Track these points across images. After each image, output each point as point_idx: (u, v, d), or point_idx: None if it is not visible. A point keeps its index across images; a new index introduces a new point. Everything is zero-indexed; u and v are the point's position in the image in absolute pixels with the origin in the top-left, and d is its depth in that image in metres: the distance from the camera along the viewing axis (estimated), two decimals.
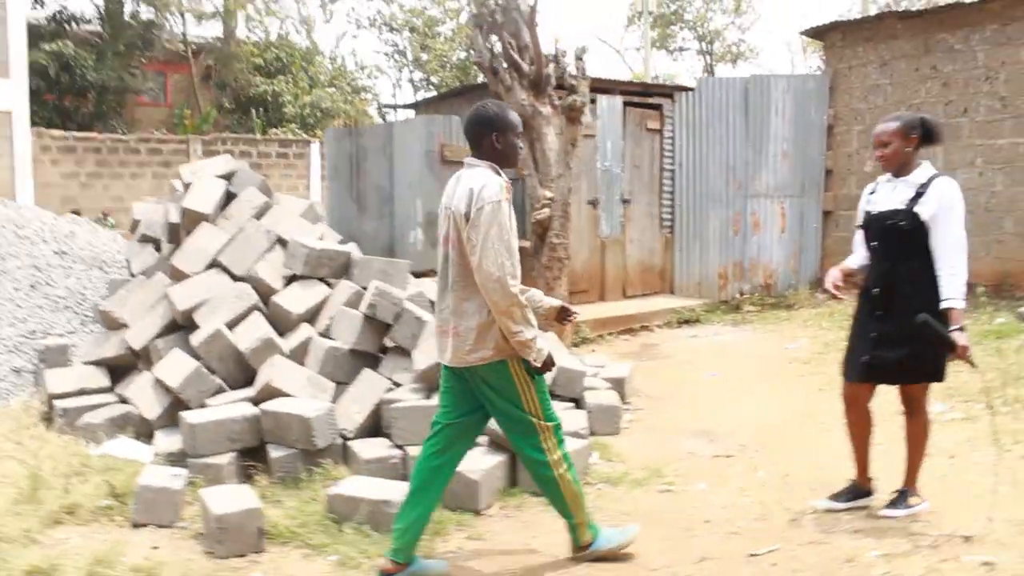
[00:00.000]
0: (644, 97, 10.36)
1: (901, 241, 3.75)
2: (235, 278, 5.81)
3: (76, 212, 12.42)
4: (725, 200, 10.55)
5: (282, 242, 6.02)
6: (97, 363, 5.86)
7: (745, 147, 10.49)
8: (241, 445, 4.77)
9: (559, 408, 5.49)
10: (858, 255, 4.07)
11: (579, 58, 7.12)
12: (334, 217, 9.34)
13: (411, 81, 25.95)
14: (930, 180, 3.76)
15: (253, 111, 19.03)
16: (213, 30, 21.76)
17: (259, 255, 5.89)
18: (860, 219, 4.04)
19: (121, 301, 6.08)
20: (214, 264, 5.84)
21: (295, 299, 5.65)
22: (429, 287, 6.51)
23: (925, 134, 3.81)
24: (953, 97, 9.47)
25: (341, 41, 37.24)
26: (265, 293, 5.75)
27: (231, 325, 5.54)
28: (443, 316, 3.50)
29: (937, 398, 6.08)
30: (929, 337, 3.57)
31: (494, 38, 7.32)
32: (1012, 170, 9.33)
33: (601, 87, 9.66)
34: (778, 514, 4.12)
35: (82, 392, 5.66)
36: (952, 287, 3.62)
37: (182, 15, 19.62)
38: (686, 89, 10.53)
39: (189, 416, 4.77)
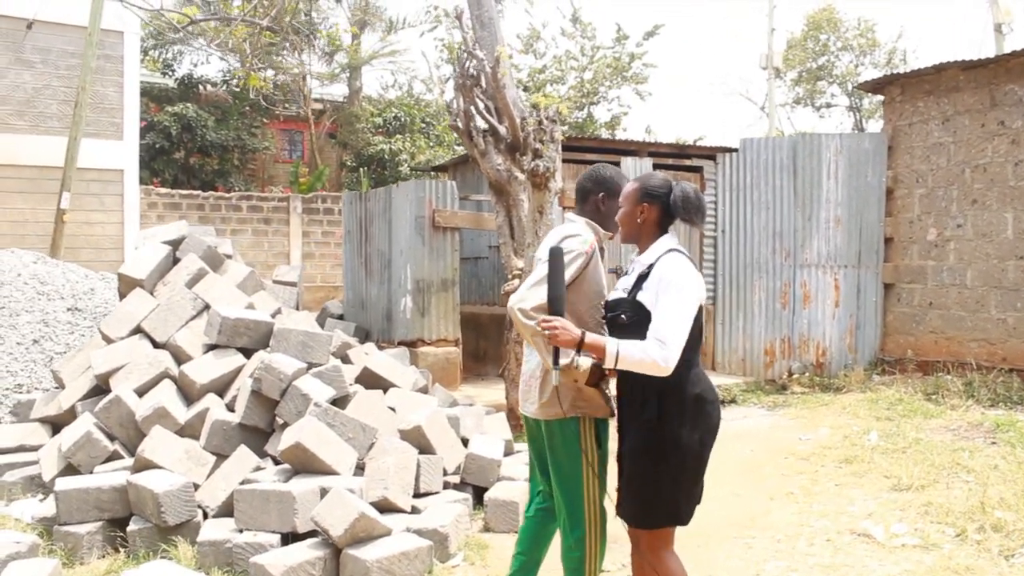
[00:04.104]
0: (680, 159, 9.75)
1: (629, 339, 2.83)
2: (156, 344, 5.87)
3: None
4: (772, 269, 9.72)
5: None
6: (42, 420, 6.08)
7: (794, 212, 9.65)
8: (111, 515, 4.75)
9: (445, 498, 5.14)
10: None
11: (552, 120, 6.77)
12: (347, 280, 9.35)
13: None
14: (659, 259, 2.92)
15: (363, 169, 19.67)
16: (340, 89, 22.88)
17: (183, 322, 5.93)
18: None
19: (68, 361, 6.30)
20: (138, 330, 5.93)
21: (203, 368, 5.63)
22: (379, 361, 6.34)
23: (671, 206, 2.96)
24: None
25: None
26: (185, 360, 5.78)
27: (142, 392, 5.59)
28: (528, 367, 3.41)
29: (905, 516, 5.17)
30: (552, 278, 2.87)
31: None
32: None
33: (627, 149, 9.21)
34: None
35: (21, 448, 5.90)
36: (646, 345, 2.75)
37: (304, 79, 20.69)
38: (729, 150, 9.82)
39: (60, 482, 4.80)
